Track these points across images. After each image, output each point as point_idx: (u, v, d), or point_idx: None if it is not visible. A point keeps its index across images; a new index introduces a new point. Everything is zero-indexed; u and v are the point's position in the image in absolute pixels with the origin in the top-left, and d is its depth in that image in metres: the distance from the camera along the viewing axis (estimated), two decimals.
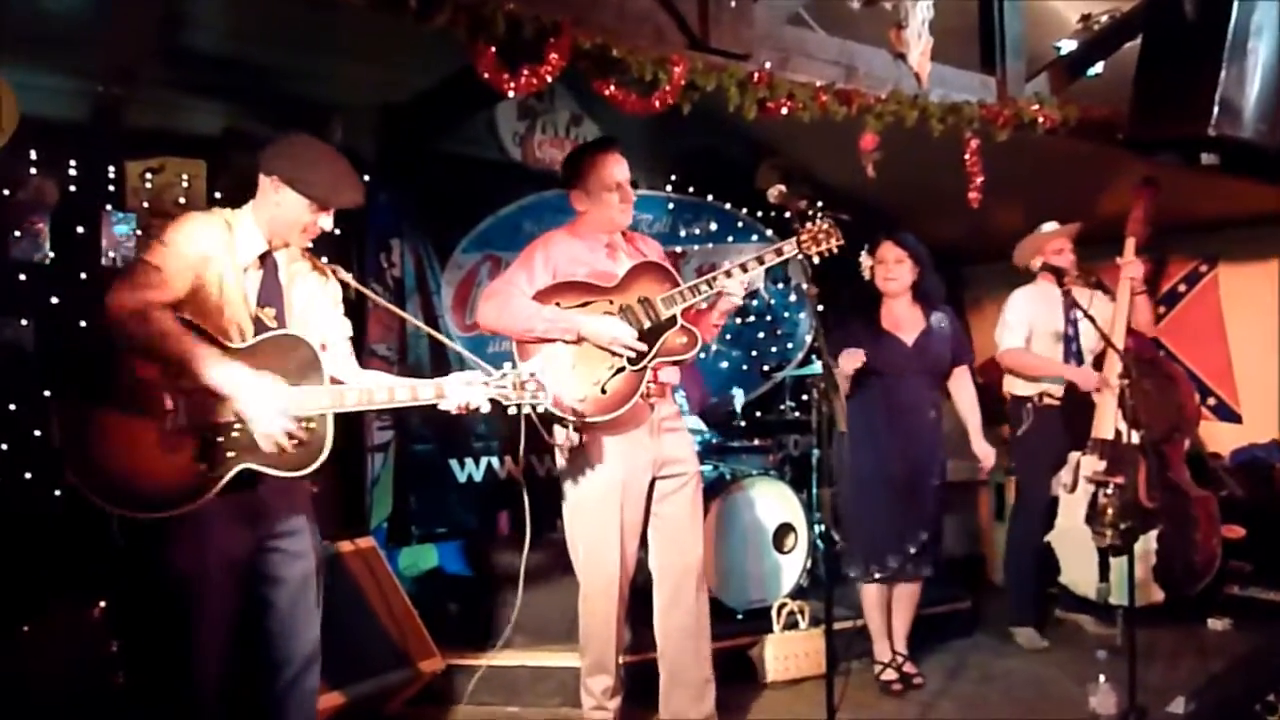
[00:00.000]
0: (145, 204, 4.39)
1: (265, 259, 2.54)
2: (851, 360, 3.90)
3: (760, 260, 3.28)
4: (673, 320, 3.18)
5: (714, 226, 6.37)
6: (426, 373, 5.26)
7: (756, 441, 5.65)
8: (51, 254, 4.12)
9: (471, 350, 5.50)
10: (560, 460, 3.27)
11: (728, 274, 3.23)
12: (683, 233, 6.23)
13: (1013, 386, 4.67)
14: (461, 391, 2.50)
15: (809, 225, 3.27)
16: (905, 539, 4.03)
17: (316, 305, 2.66)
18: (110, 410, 2.30)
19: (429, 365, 5.30)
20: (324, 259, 2.73)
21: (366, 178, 5.15)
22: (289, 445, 2.32)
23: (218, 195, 4.51)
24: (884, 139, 4.05)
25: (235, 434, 2.35)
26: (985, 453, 4.14)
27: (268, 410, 2.31)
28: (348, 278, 2.71)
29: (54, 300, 4.07)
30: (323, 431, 2.41)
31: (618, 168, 3.28)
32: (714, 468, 4.93)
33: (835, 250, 3.28)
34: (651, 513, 3.32)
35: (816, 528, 4.99)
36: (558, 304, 3.15)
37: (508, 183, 5.60)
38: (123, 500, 2.27)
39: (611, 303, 3.18)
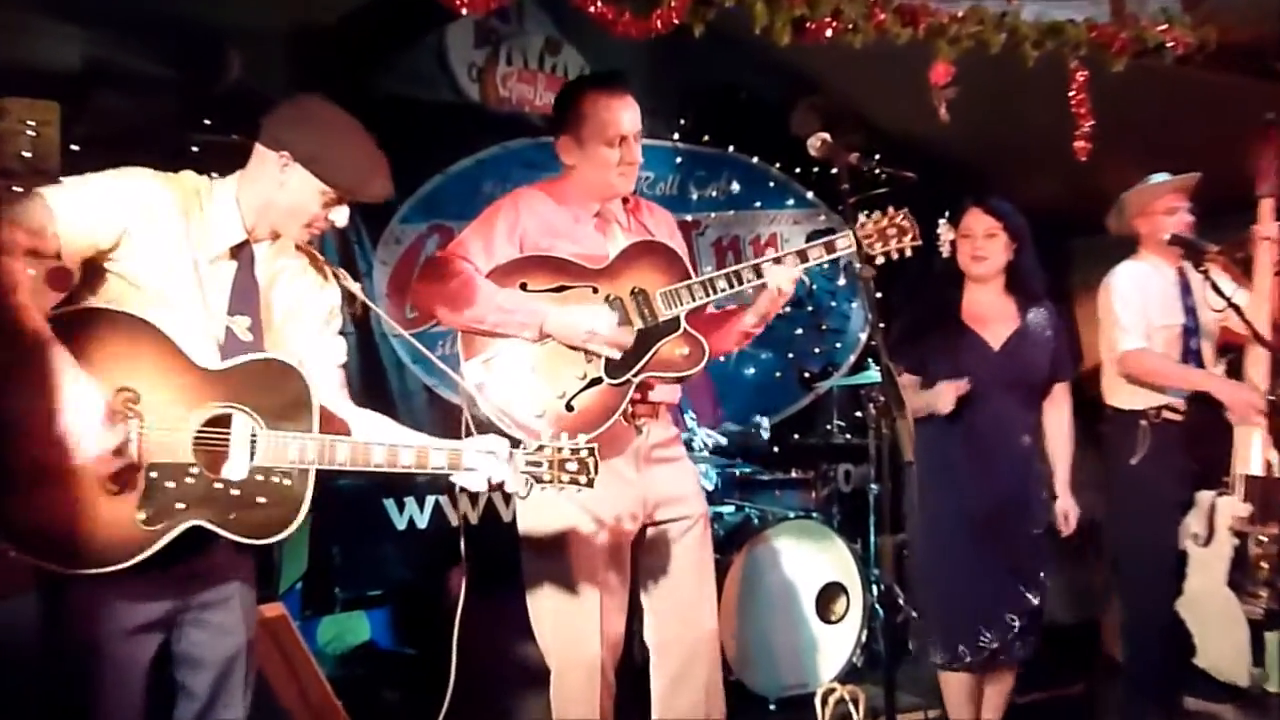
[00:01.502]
0: None
1: (239, 251, 2.55)
2: (950, 395, 3.92)
3: (803, 255, 3.25)
4: (674, 324, 3.15)
5: (736, 187, 6.40)
6: (354, 381, 5.29)
7: (794, 473, 5.68)
8: None
9: (418, 352, 5.65)
10: (516, 499, 3.25)
11: (757, 271, 3.20)
12: (695, 195, 6.27)
13: (1118, 396, 4.56)
14: (484, 463, 2.56)
15: (875, 216, 3.26)
16: (1003, 609, 4.01)
17: (303, 317, 2.67)
18: (35, 438, 2.29)
19: (357, 371, 5.34)
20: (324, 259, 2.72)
21: None
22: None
23: (75, 148, 4.55)
24: (961, 71, 4.07)
25: (189, 480, 2.39)
26: (1064, 509, 4.15)
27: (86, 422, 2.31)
28: (354, 287, 2.73)
29: None
30: (300, 490, 2.45)
31: (626, 115, 3.23)
32: (737, 508, 4.96)
33: (909, 252, 3.28)
34: (643, 570, 3.32)
35: (876, 589, 5.01)
36: (523, 284, 3.14)
37: (461, 130, 5.64)
38: (48, 551, 2.31)
39: (595, 290, 3.16)
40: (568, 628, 3.20)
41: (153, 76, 4.75)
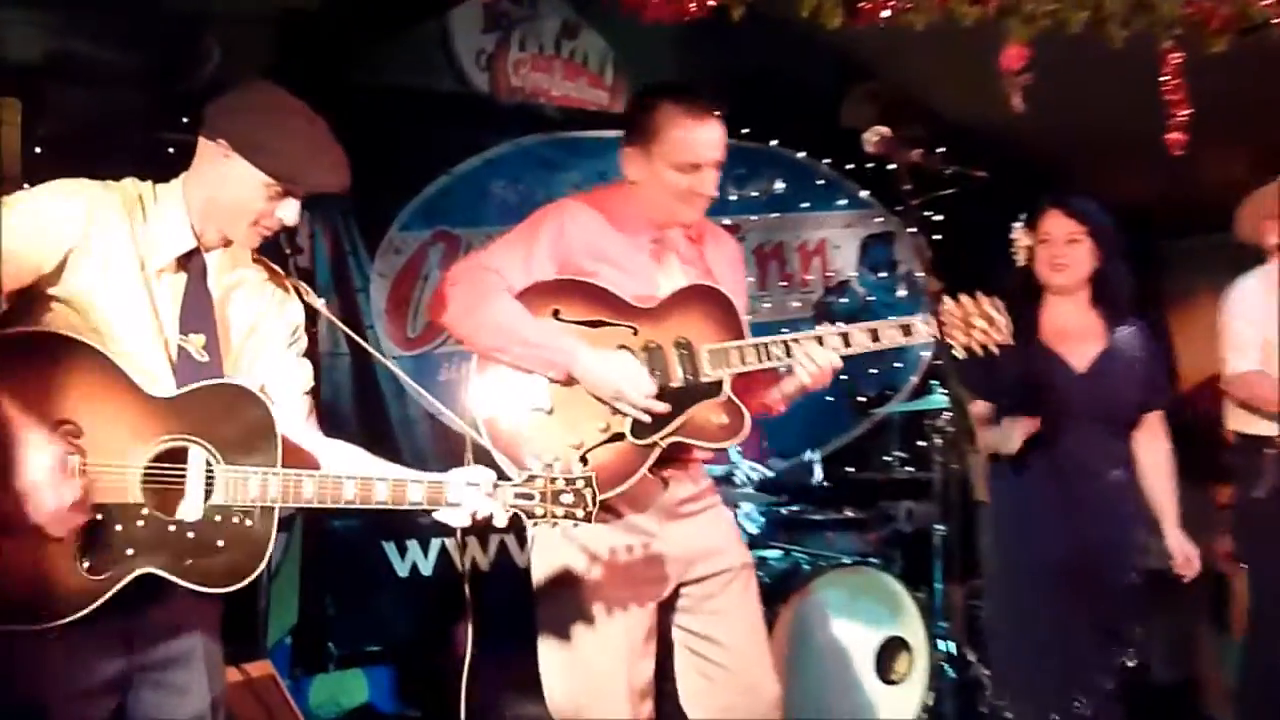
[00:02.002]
0: None
1: (189, 261, 2.54)
2: (1018, 434, 3.88)
3: (874, 334, 3.23)
4: (716, 387, 3.13)
5: (780, 186, 6.39)
6: (346, 410, 5.30)
7: (848, 512, 5.63)
8: None
9: (418, 376, 5.72)
10: (531, 542, 3.25)
11: (819, 340, 3.18)
12: (734, 195, 6.24)
13: (1242, 421, 4.60)
14: (471, 497, 2.56)
15: (960, 302, 3.20)
16: (1092, 671, 3.95)
17: (264, 336, 2.68)
18: None
19: (351, 401, 5.31)
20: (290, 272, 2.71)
21: None
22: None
23: (38, 150, 4.55)
24: (1037, 54, 4.04)
25: (141, 524, 2.37)
26: (1183, 550, 4.08)
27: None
28: (317, 303, 2.72)
29: None
30: (263, 532, 2.44)
31: (706, 141, 3.18)
32: (784, 553, 4.91)
33: (994, 349, 3.22)
34: (681, 638, 3.29)
35: (943, 645, 4.95)
36: (556, 311, 3.12)
37: (469, 125, 5.63)
38: None
39: (635, 332, 3.13)
40: (586, 698, 3.16)
41: (123, 68, 4.75)
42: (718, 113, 3.22)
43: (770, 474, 5.18)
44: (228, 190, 2.51)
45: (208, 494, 2.42)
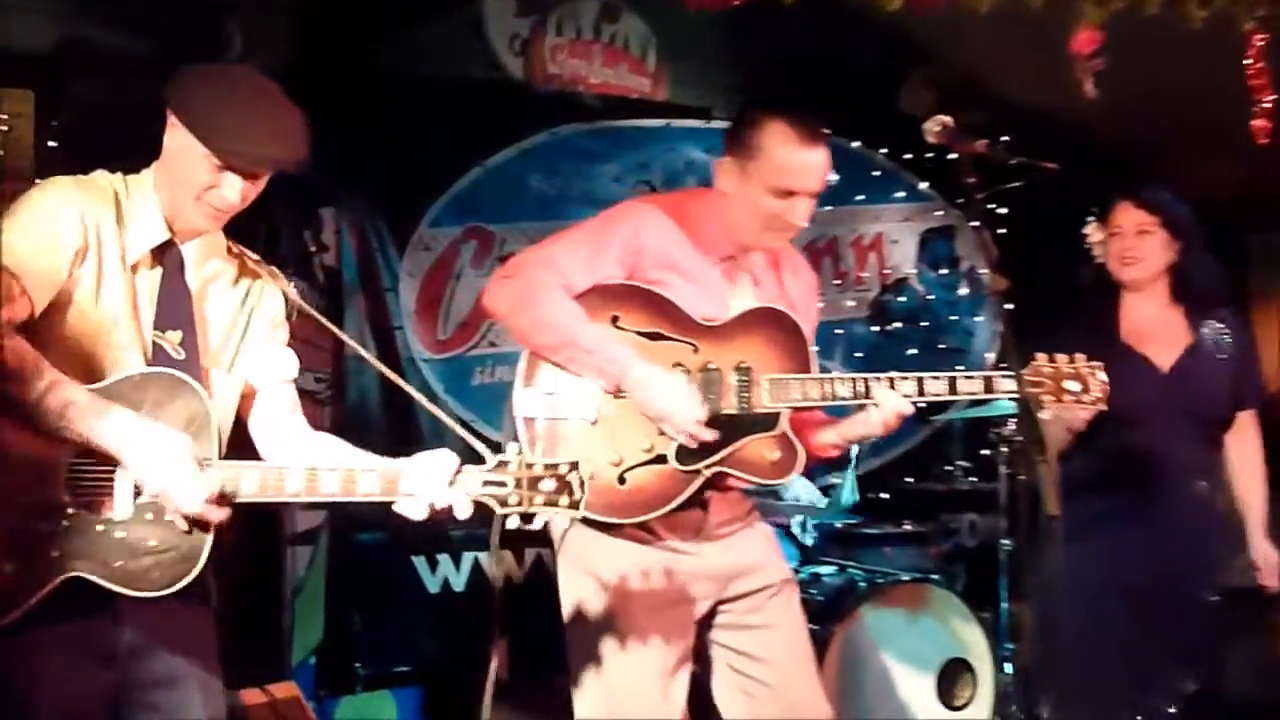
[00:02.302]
0: None
1: (164, 254, 2.56)
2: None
3: (952, 385, 3.19)
4: (772, 420, 3.12)
5: (834, 177, 6.33)
6: (374, 415, 5.34)
7: (907, 525, 5.61)
8: None
9: (453, 380, 5.77)
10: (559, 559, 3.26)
11: (891, 383, 3.16)
12: None
13: None
14: (427, 486, 2.49)
15: (1055, 360, 3.21)
16: (1163, 692, 3.94)
17: (246, 330, 2.70)
18: None
19: (379, 404, 5.34)
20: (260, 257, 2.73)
21: None
22: (183, 525, 2.36)
23: (51, 143, 4.60)
24: (1110, 37, 4.02)
25: (65, 524, 2.38)
26: (1269, 560, 4.06)
27: (178, 474, 2.33)
28: (290, 290, 2.73)
29: None
30: (199, 542, 2.42)
31: (810, 169, 3.16)
32: (838, 569, 4.90)
33: (1085, 417, 3.24)
34: (722, 657, 3.28)
35: (1009, 668, 4.93)
36: (614, 319, 3.13)
37: (503, 114, 5.64)
38: None
39: (695, 350, 3.14)
40: (616, 714, 3.16)
41: (139, 57, 4.78)
42: (827, 133, 3.20)
43: (821, 502, 5.18)
44: (176, 165, 2.52)
45: (137, 492, 2.40)
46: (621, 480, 3.04)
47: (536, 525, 3.03)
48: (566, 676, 3.29)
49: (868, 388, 3.14)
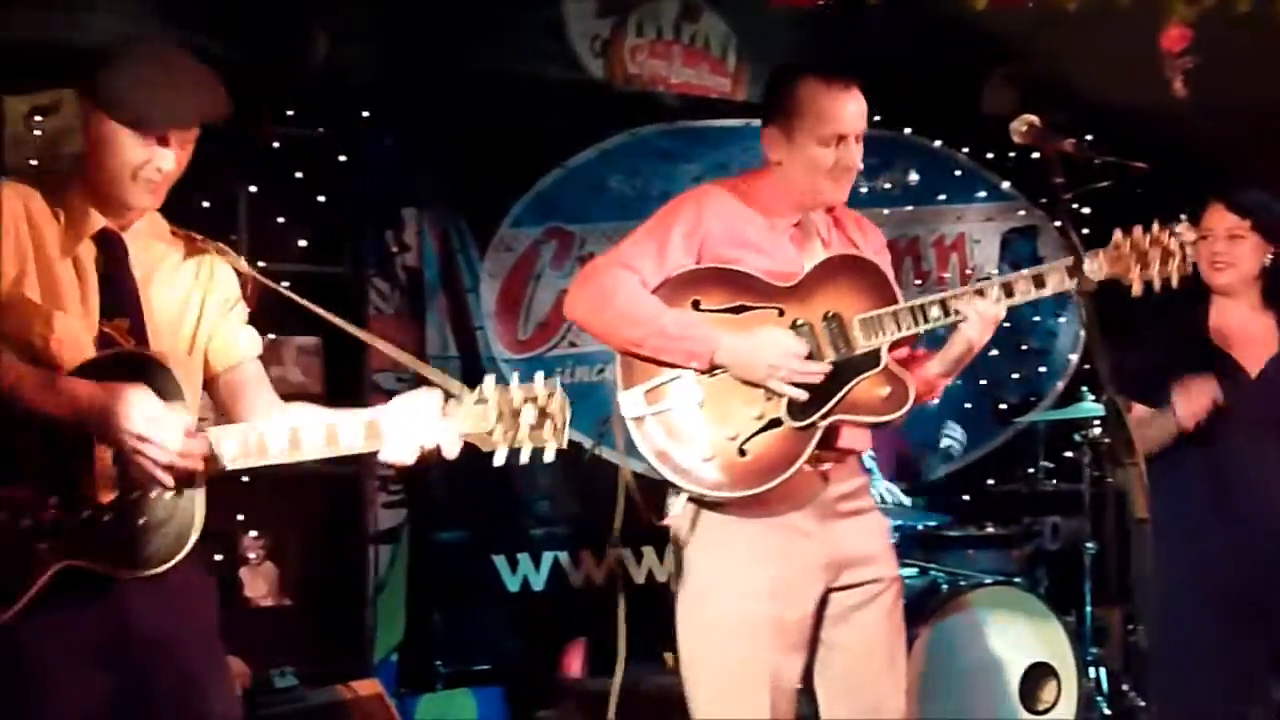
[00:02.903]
0: (33, 160, 4.57)
1: (104, 243, 2.58)
2: (1196, 399, 3.77)
3: (1038, 281, 3.16)
4: (873, 358, 3.10)
5: (914, 177, 6.34)
6: None
7: (990, 527, 5.56)
8: None
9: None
10: (671, 558, 3.24)
11: (979, 293, 3.14)
12: (864, 187, 6.17)
13: None
14: (410, 428, 2.45)
15: (1132, 234, 3.15)
16: (1260, 701, 3.88)
17: (199, 311, 2.72)
18: None
19: None
20: (214, 240, 2.73)
21: (365, 113, 5.47)
22: (169, 482, 2.38)
23: None
24: (1200, 34, 3.96)
25: (49, 511, 2.39)
26: None
27: (147, 415, 2.36)
28: (242, 265, 2.75)
29: None
30: (188, 505, 2.44)
31: (848, 110, 3.17)
32: (920, 571, 4.88)
33: (1174, 282, 3.16)
34: (822, 643, 3.24)
35: (1095, 673, 4.88)
36: (695, 302, 3.13)
37: (583, 115, 5.67)
38: None
39: (781, 314, 3.12)
40: (727, 711, 3.13)
41: (226, 59, 4.84)
42: (855, 85, 3.20)
43: (906, 502, 5.15)
44: (103, 150, 2.52)
45: (123, 472, 2.42)
46: (742, 452, 3.03)
47: (667, 521, 3.09)
48: (650, 674, 3.28)
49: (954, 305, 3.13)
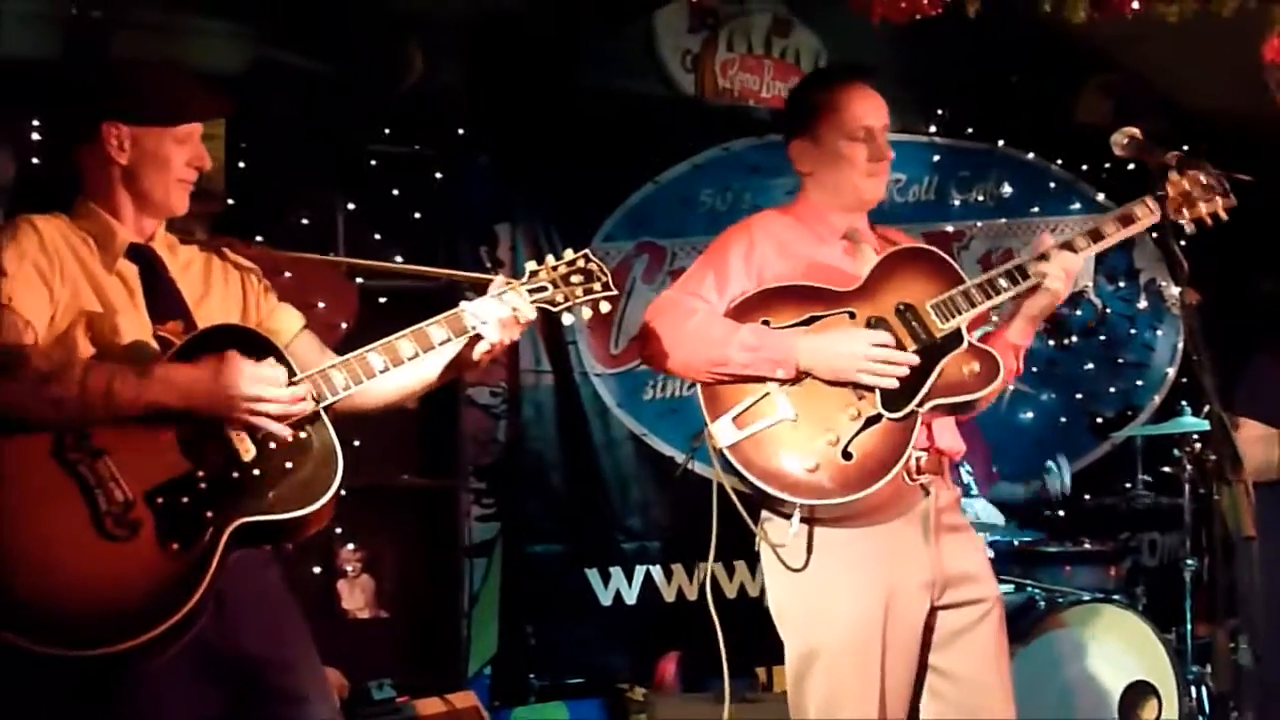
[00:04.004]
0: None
1: (136, 254, 2.68)
2: None
3: (1096, 234, 3.17)
4: (956, 338, 3.10)
5: (1007, 190, 6.28)
6: (547, 431, 5.43)
7: (1087, 543, 5.48)
8: None
9: (625, 394, 5.80)
10: (772, 572, 3.19)
11: (1043, 257, 3.12)
12: (957, 200, 6.16)
13: None
14: (487, 310, 2.69)
15: (1176, 177, 3.12)
16: None
17: (235, 302, 2.81)
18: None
19: (553, 417, 5.42)
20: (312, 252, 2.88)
21: (460, 131, 5.54)
22: (286, 433, 2.51)
23: (241, 165, 4.75)
24: None
25: (200, 484, 2.48)
26: None
27: (267, 383, 2.48)
28: (244, 262, 2.85)
29: None
30: (322, 436, 2.59)
31: (866, 107, 3.23)
32: (1016, 588, 4.83)
33: (1223, 215, 3.14)
34: (932, 669, 3.20)
35: (1198, 691, 4.81)
36: (765, 321, 3.12)
37: (675, 130, 5.69)
38: (55, 634, 2.31)
39: (853, 315, 3.13)
40: None
41: (326, 78, 4.94)
42: (868, 82, 3.27)
43: (999, 520, 5.12)
44: (143, 165, 2.64)
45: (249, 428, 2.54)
46: (847, 455, 3.01)
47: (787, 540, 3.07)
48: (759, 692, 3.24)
49: (1023, 272, 3.12)
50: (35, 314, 2.51)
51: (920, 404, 3.04)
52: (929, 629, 3.18)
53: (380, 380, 2.65)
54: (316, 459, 2.57)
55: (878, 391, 3.03)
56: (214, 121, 4.72)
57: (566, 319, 2.83)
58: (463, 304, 2.70)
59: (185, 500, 2.47)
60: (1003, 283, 3.12)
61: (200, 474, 2.49)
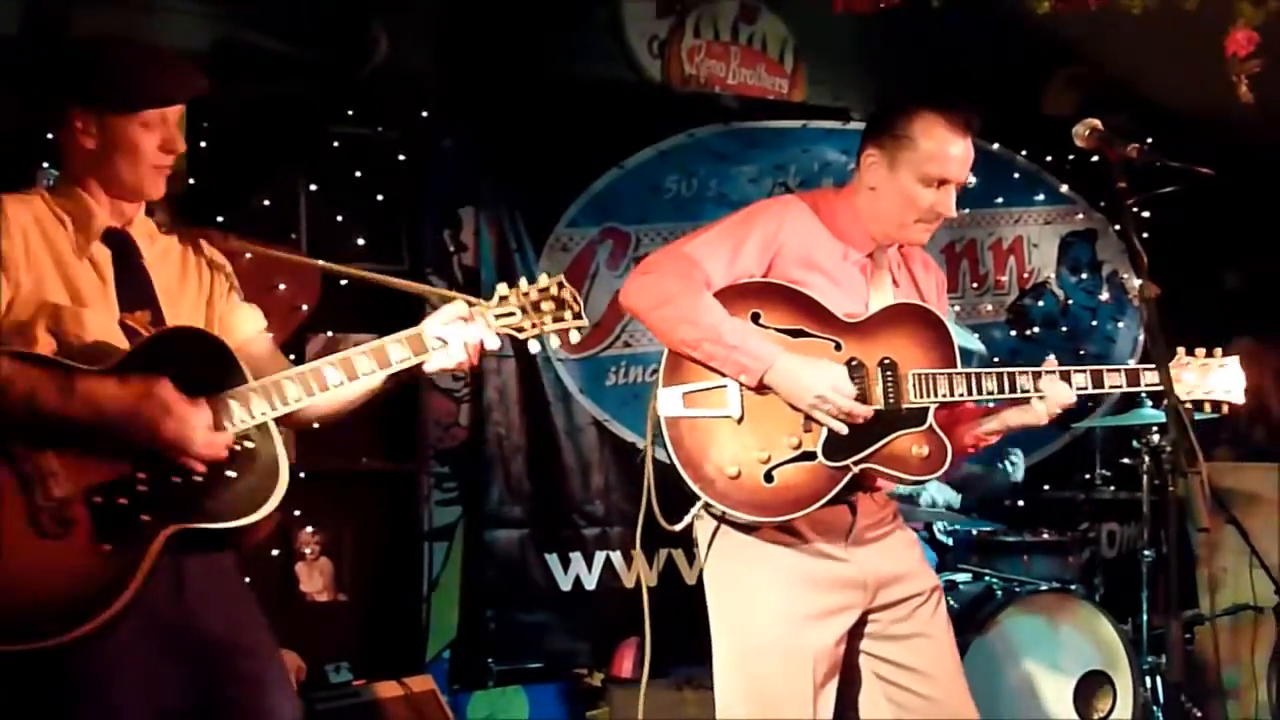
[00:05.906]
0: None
1: (113, 242, 2.65)
2: None
3: (1132, 377, 3.16)
4: (920, 416, 3.08)
5: (972, 180, 6.19)
6: (510, 416, 5.41)
7: (1045, 533, 5.50)
8: None
9: (588, 379, 5.79)
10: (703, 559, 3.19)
11: (1064, 376, 3.12)
12: None
13: None
14: (450, 332, 2.63)
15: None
16: None
17: (205, 296, 2.78)
18: None
19: (516, 402, 5.42)
20: (262, 240, 2.87)
21: (424, 113, 5.49)
22: (200, 468, 2.46)
23: (202, 145, 4.70)
24: (1266, 38, 3.90)
25: (140, 486, 2.46)
26: None
27: (186, 427, 2.43)
28: (219, 257, 2.82)
29: None
30: (267, 446, 2.56)
31: (962, 154, 3.13)
32: (975, 577, 4.82)
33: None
34: (870, 668, 3.22)
35: (1152, 681, 4.82)
36: (755, 316, 3.09)
37: (641, 116, 5.67)
38: None
39: (838, 348, 3.10)
40: None
41: (288, 60, 4.89)
42: (971, 133, 3.16)
43: (955, 500, 5.12)
44: (119, 149, 2.59)
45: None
46: (769, 478, 3.00)
47: (679, 527, 3.07)
48: (697, 679, 3.25)
49: (1013, 381, 3.10)
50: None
51: (858, 463, 3.03)
52: (861, 632, 3.19)
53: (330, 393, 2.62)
54: (260, 470, 2.55)
55: (825, 431, 3.02)
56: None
57: (533, 346, 2.77)
58: (425, 323, 2.65)
59: (122, 502, 2.45)
60: (989, 385, 3.10)
61: (140, 476, 2.47)
